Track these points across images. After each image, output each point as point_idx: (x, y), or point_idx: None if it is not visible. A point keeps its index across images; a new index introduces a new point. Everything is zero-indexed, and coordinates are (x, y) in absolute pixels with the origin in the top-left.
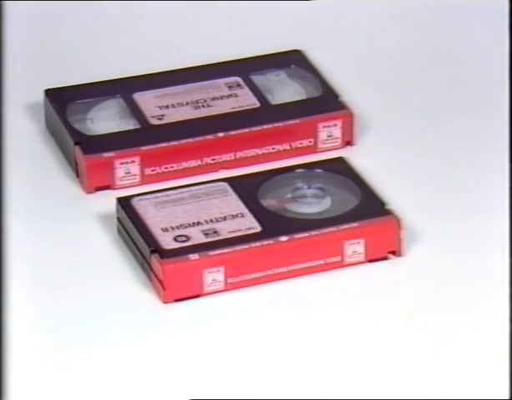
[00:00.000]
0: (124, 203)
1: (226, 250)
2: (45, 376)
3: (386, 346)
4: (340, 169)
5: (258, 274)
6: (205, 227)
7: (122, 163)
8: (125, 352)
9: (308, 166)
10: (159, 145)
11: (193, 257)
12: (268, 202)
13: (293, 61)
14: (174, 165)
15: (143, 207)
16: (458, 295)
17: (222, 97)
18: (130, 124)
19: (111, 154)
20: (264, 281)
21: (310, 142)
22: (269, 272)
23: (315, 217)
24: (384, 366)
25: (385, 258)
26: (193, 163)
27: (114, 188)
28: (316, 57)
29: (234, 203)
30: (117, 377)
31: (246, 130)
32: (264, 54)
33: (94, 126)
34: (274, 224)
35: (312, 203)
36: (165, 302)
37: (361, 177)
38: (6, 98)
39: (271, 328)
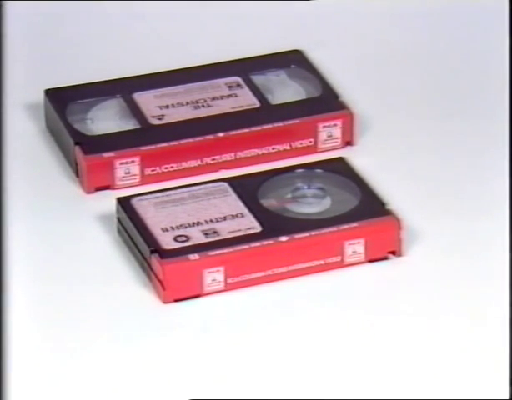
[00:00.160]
0: (124, 203)
1: (226, 250)
2: (45, 376)
3: (386, 346)
4: (340, 169)
5: (258, 274)
6: (205, 227)
7: (122, 163)
8: (125, 352)
9: (308, 166)
10: (159, 145)
11: (193, 257)
12: (268, 202)
13: (293, 61)
14: (174, 165)
15: (142, 207)
16: (458, 295)
17: (222, 97)
18: (130, 124)
19: (111, 154)
20: (264, 281)
21: (310, 142)
22: (269, 272)
23: (315, 217)
24: (384, 366)
25: (385, 258)
26: (193, 163)
27: (114, 188)
28: (316, 57)
29: (234, 203)
30: (117, 377)
31: (246, 130)
32: (264, 54)
33: (94, 126)
34: (274, 224)
35: (312, 203)
36: (165, 302)
37: (361, 177)
38: (6, 98)
39: (271, 328)
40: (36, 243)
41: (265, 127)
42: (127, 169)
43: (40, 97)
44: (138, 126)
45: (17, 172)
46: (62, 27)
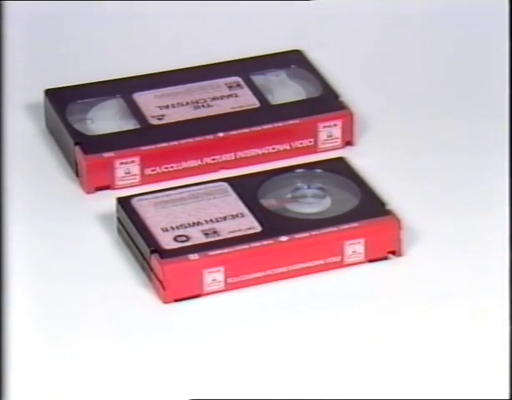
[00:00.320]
0: (124, 203)
1: (226, 250)
2: (45, 375)
3: (386, 346)
4: (340, 169)
5: (258, 274)
6: (205, 227)
7: (122, 163)
8: (125, 351)
9: (308, 166)
10: (159, 145)
11: (193, 257)
12: (268, 202)
13: (293, 61)
14: (174, 165)
15: (142, 207)
16: (458, 295)
17: (222, 97)
18: (130, 124)
19: (111, 154)
20: (264, 281)
21: (310, 142)
22: (269, 272)
23: (315, 217)
24: (384, 366)
25: (385, 258)
26: (193, 163)
27: (114, 188)
28: (316, 57)
29: (234, 203)
30: (117, 377)
31: (246, 130)
32: (264, 54)
33: (94, 126)
34: (274, 224)
35: (312, 203)
36: (165, 302)
37: (361, 177)
38: (6, 98)
39: (271, 328)
40: (36, 243)
41: (265, 127)
42: (127, 169)
43: (40, 97)
44: (138, 126)
45: (17, 172)
46: (62, 27)
